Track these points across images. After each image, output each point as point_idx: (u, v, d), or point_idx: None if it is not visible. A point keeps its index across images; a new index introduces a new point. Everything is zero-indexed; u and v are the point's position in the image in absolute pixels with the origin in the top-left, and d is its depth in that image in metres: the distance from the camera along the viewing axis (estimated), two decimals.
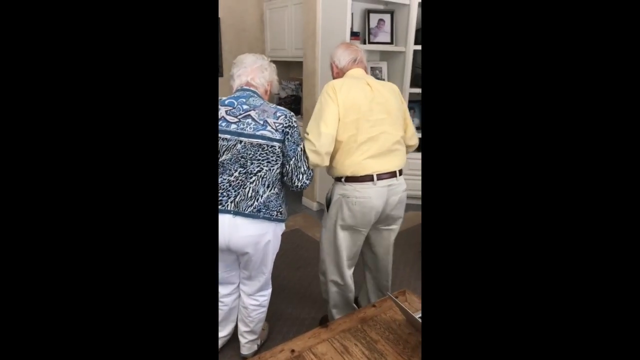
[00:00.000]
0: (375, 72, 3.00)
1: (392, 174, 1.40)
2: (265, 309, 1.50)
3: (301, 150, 1.29)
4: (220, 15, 3.26)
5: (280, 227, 1.36)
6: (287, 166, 1.27)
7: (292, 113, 1.29)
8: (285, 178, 1.31)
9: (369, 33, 2.73)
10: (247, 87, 1.29)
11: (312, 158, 1.32)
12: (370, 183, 1.37)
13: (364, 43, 2.73)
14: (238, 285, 1.49)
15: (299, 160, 1.28)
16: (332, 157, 1.39)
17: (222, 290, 1.47)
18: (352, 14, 2.49)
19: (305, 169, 1.30)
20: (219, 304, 1.48)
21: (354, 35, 2.56)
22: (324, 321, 1.72)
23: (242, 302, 1.49)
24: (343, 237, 1.46)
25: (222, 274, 1.42)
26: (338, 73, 1.49)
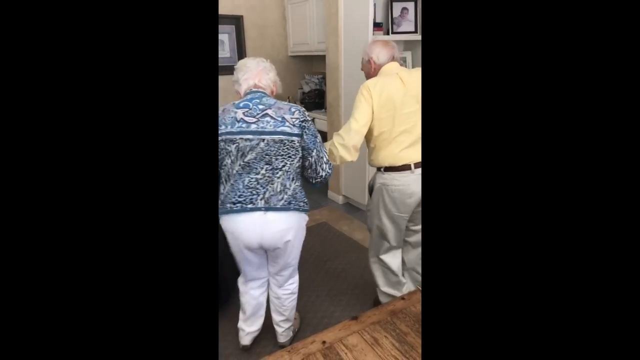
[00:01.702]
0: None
1: None
2: (296, 295, 1.56)
3: (319, 141, 1.33)
4: (242, 13, 3.31)
5: (305, 218, 1.41)
6: (310, 158, 1.32)
7: (303, 108, 1.35)
8: (308, 171, 1.35)
9: (392, 23, 2.69)
10: (256, 89, 1.33)
11: (340, 151, 1.42)
12: (408, 172, 1.47)
13: (387, 33, 2.68)
14: (266, 280, 1.53)
15: (320, 150, 1.33)
16: (372, 150, 1.52)
17: (251, 284, 1.51)
18: (375, 4, 2.45)
19: (327, 158, 1.36)
20: (247, 296, 1.53)
21: (377, 26, 2.52)
22: (376, 303, 1.81)
23: (274, 293, 1.53)
24: (386, 222, 1.57)
25: (252, 272, 1.47)
26: (375, 69, 1.54)
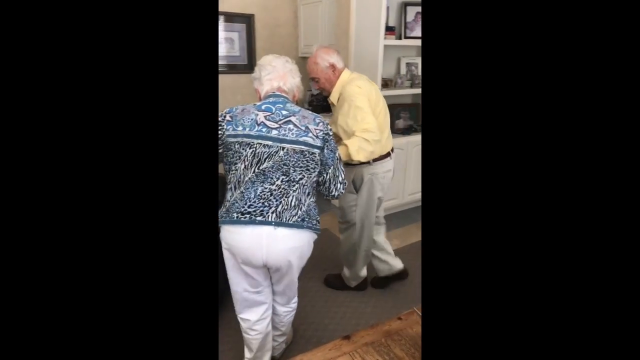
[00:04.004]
0: (411, 68, 2.88)
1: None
2: (295, 311, 1.46)
3: (338, 158, 1.24)
4: (254, 12, 3.27)
5: (315, 237, 1.26)
6: (325, 175, 1.22)
7: (327, 121, 1.24)
8: (321, 187, 1.26)
9: (405, 27, 2.62)
10: (279, 93, 1.23)
11: (374, 148, 1.51)
12: (388, 157, 1.72)
13: (400, 38, 2.62)
14: (270, 305, 1.36)
15: (337, 169, 1.23)
16: None
17: (252, 315, 1.31)
18: (388, 7, 2.38)
19: (343, 177, 1.26)
20: (252, 332, 1.34)
21: (389, 30, 2.46)
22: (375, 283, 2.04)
23: (274, 310, 1.41)
24: (374, 208, 1.75)
25: (252, 295, 1.28)
26: (337, 74, 1.64)
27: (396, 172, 2.67)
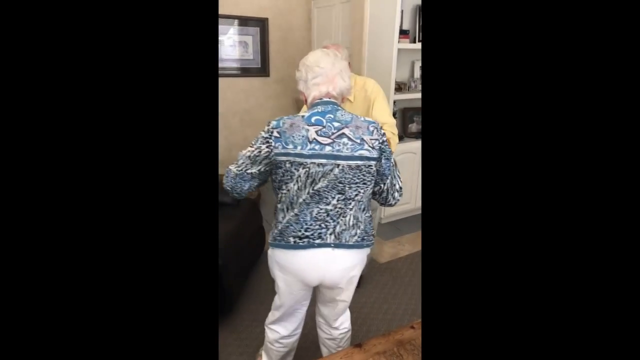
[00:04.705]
0: None
1: None
2: (350, 332, 1.37)
3: (394, 165, 1.15)
4: (267, 15, 3.29)
5: (369, 250, 1.21)
6: (382, 185, 1.14)
7: (378, 123, 1.12)
8: (377, 197, 1.18)
9: (419, 31, 2.60)
10: (328, 99, 1.08)
11: (397, 140, 1.73)
12: None
13: (414, 42, 2.59)
14: (300, 324, 1.33)
15: (394, 177, 1.15)
16: None
17: (283, 330, 1.29)
18: (402, 11, 2.37)
19: (400, 185, 1.17)
20: (277, 344, 1.32)
21: (403, 33, 2.44)
22: None
23: (328, 334, 1.34)
24: None
25: (290, 310, 1.26)
26: (350, 70, 1.61)
27: (408, 176, 2.65)
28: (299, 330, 1.34)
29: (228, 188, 1.11)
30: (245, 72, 3.35)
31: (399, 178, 1.17)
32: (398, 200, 1.18)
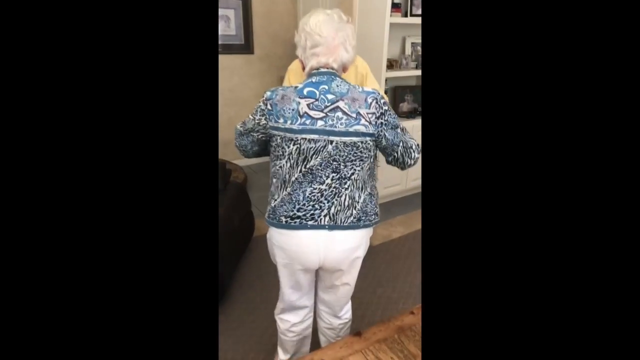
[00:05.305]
0: (416, 49, 2.76)
1: None
2: (350, 322, 1.33)
3: (401, 128, 1.04)
4: None
5: (372, 231, 1.15)
6: (395, 154, 1.05)
7: (378, 92, 1.02)
8: (392, 163, 1.10)
9: (412, 4, 2.49)
10: (326, 70, 0.99)
11: None
12: None
13: (405, 16, 2.49)
14: (312, 308, 1.28)
15: (406, 140, 1.04)
16: None
17: (294, 317, 1.25)
18: None
19: (413, 142, 1.06)
20: (290, 334, 1.28)
21: (395, 7, 2.33)
22: None
23: (328, 323, 1.29)
24: None
25: (297, 301, 1.21)
26: None
27: None
28: (311, 315, 1.28)
29: (236, 144, 1.16)
30: (227, 49, 3.17)
31: (412, 138, 1.07)
32: (416, 158, 1.07)
